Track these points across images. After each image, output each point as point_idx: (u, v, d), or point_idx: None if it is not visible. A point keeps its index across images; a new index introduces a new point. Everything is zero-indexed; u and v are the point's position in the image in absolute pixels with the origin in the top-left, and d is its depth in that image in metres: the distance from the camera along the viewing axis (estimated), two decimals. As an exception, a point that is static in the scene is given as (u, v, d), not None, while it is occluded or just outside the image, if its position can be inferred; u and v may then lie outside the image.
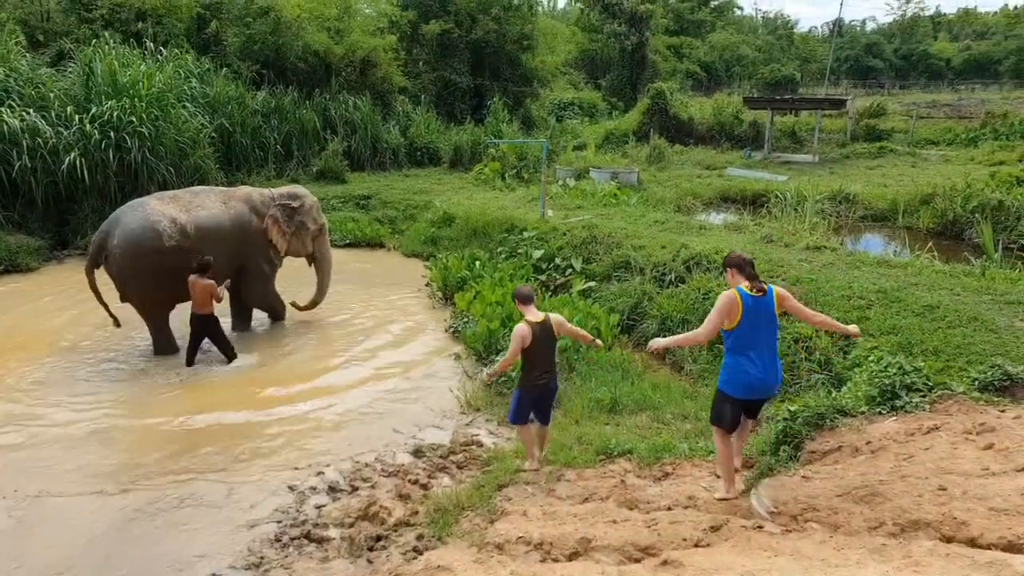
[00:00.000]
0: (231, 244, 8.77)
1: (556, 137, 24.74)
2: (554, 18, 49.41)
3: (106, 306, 8.46)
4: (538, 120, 27.25)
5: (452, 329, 9.53)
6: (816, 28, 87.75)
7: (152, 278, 8.16)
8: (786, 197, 14.47)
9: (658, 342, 4.58)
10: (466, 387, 7.79)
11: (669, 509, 4.59)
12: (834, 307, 7.51)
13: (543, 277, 11.04)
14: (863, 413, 5.10)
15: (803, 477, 4.53)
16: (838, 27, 65.72)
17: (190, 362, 8.26)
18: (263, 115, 18.64)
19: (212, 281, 8.01)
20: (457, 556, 4.08)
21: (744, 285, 4.21)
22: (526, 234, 12.34)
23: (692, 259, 9.57)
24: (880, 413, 5.07)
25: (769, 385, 4.34)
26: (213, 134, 16.42)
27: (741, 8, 75.20)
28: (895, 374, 5.38)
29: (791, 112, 29.43)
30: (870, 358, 6.02)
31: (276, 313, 9.87)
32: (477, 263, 11.45)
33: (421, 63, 25.23)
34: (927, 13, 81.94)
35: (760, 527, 3.83)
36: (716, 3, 65.21)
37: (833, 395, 5.71)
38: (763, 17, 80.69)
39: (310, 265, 10.08)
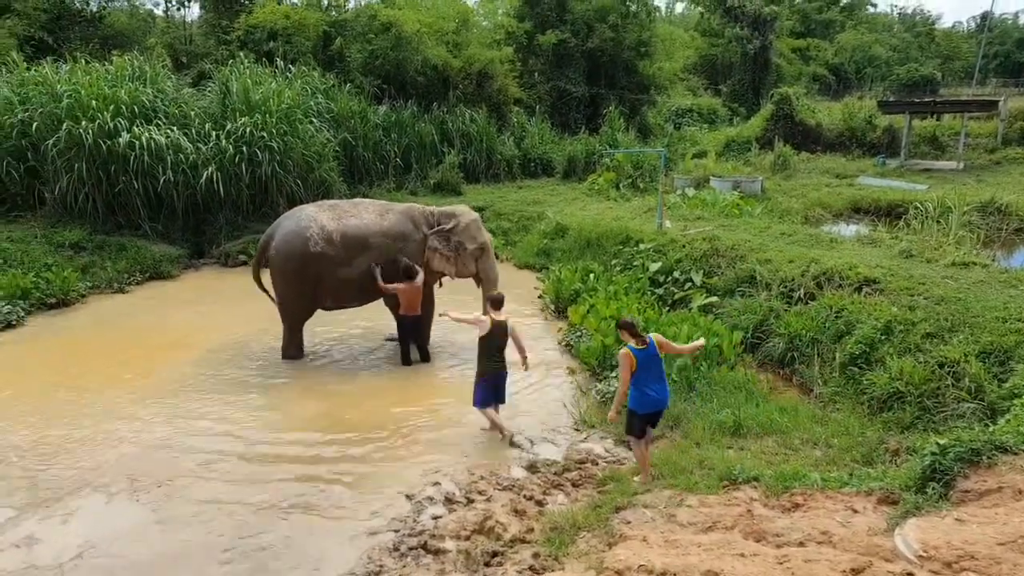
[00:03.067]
0: (379, 254, 8.82)
1: (674, 145, 24.20)
2: (672, 23, 48.49)
3: (269, 294, 9.01)
4: (655, 128, 26.75)
5: (565, 343, 9.46)
6: (960, 23, 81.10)
7: (296, 282, 8.62)
8: (927, 208, 13.37)
9: (611, 414, 5.98)
10: (580, 403, 7.69)
11: (802, 544, 4.29)
12: (987, 330, 6.84)
13: (661, 291, 10.75)
14: (1028, 451, 4.56)
15: (957, 520, 4.10)
16: (987, 21, 60.45)
17: (406, 362, 8.89)
18: (383, 129, 19.36)
19: (420, 285, 8.59)
20: (575, 580, 3.98)
21: (633, 343, 5.72)
22: (642, 246, 12.08)
23: (823, 274, 9.01)
24: (1050, 452, 4.52)
25: (663, 402, 5.89)
26: (337, 148, 17.20)
27: (875, 5, 70.76)
28: (1067, 408, 4.79)
29: (931, 116, 27.28)
30: (1035, 388, 5.41)
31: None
32: (591, 276, 11.33)
33: (536, 73, 25.42)
34: (1092, 2, 73.75)
35: (911, 574, 3.48)
36: (846, 1, 61.67)
37: (990, 428, 5.17)
38: (899, 13, 75.47)
39: (478, 286, 9.62)
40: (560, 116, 24.84)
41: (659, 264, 11.26)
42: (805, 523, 4.55)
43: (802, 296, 8.92)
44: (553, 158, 22.11)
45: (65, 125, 13.26)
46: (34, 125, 13.53)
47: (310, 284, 8.62)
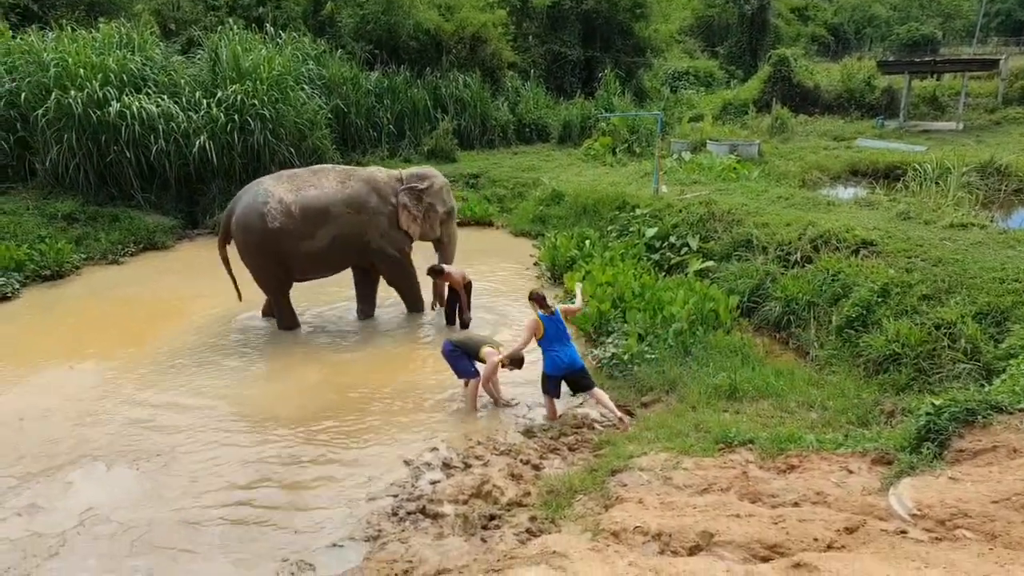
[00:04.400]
0: (342, 225, 8.55)
1: (670, 108, 23.94)
2: (668, -15, 47.55)
3: (234, 280, 8.93)
4: (651, 91, 26.41)
5: (562, 309, 9.44)
6: (961, -19, 79.50)
7: (261, 257, 8.45)
8: (926, 169, 13.28)
9: (504, 358, 6.78)
10: (577, 368, 7.68)
11: (796, 505, 4.32)
12: (984, 291, 6.83)
13: (656, 256, 10.70)
14: (1023, 410, 4.58)
15: (951, 479, 4.13)
16: (988, -21, 59.27)
17: (450, 321, 9.07)
18: (376, 95, 19.07)
19: (452, 273, 8.83)
20: (572, 542, 4.01)
21: (541, 311, 6.54)
22: (638, 211, 11.99)
23: (820, 237, 8.96)
24: (1044, 411, 4.54)
25: (574, 363, 6.53)
26: (329, 115, 16.95)
27: (874, -37, 69.33)
28: (1062, 367, 4.80)
29: (931, 76, 26.99)
30: (1031, 348, 5.41)
31: (412, 302, 9.50)
32: (587, 242, 11.27)
33: (531, 37, 24.99)
34: (1097, -42, 72.29)
35: (904, 532, 3.51)
36: (846, -41, 60.48)
37: (986, 389, 5.18)
38: (899, -28, 74.07)
39: (436, 249, 9.70)
40: (555, 80, 24.49)
41: (655, 229, 11.18)
42: (800, 484, 4.58)
43: (799, 260, 8.89)
44: (548, 123, 21.86)
45: (54, 95, 13.03)
46: (22, 95, 13.31)
47: (274, 259, 8.41)
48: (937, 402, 4.77)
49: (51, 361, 8.07)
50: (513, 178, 16.85)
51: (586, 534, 4.26)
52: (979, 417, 4.58)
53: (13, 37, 14.55)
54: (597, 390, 6.52)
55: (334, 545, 4.85)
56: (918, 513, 3.85)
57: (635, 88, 25.25)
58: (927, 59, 28.66)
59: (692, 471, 4.95)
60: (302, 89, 16.13)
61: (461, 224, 14.53)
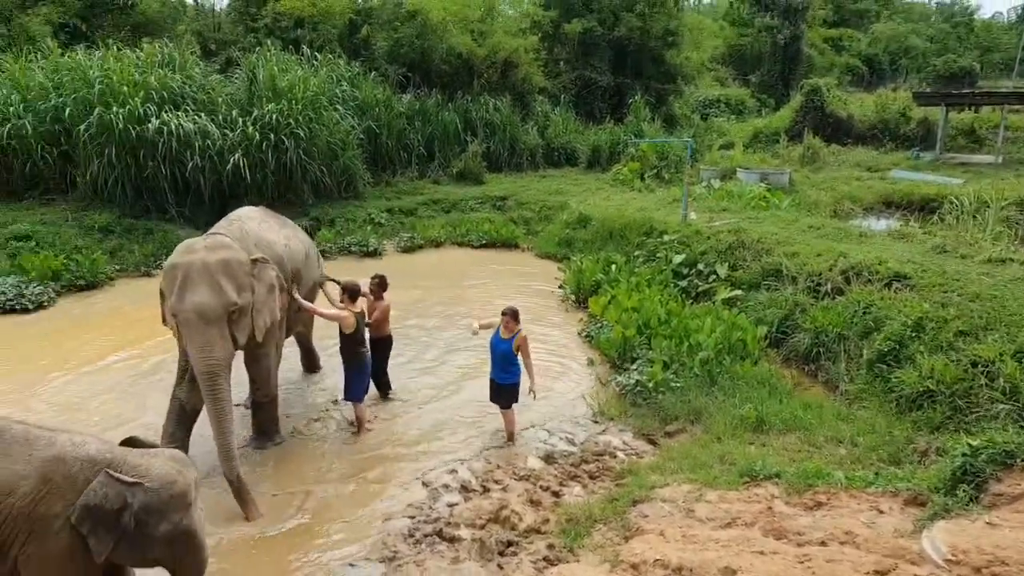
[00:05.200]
0: None
1: (701, 136, 23.84)
2: (701, 13, 47.72)
3: None
4: (681, 118, 26.35)
5: (585, 334, 9.36)
6: (1001, 14, 78.75)
7: None
8: (963, 202, 12.98)
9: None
10: (599, 395, 7.60)
11: (824, 544, 4.18)
12: (1024, 328, 6.60)
13: (684, 283, 10.59)
14: (1066, 455, 4.39)
15: (988, 523, 3.97)
16: (1027, 12, 58.61)
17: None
18: (408, 117, 19.26)
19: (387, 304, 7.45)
20: (590, 572, 3.92)
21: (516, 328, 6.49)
22: (666, 237, 11.89)
23: (851, 269, 8.79)
24: (1088, 457, 4.35)
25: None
26: (361, 136, 17.16)
27: (911, -6, 69.05)
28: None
29: (969, 108, 26.52)
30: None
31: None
32: (613, 267, 11.20)
33: (561, 62, 25.14)
34: None
35: (937, 579, 3.36)
36: (881, -10, 60.21)
37: (1025, 430, 4.99)
38: (937, 3, 73.51)
39: None
40: (585, 105, 24.56)
41: (683, 256, 11.08)
42: (828, 522, 4.44)
43: (829, 291, 8.71)
44: (577, 147, 21.89)
45: (97, 110, 13.38)
46: (67, 110, 13.68)
47: None
48: (974, 443, 4.60)
49: (85, 365, 8.20)
50: (540, 201, 16.86)
51: (604, 565, 4.16)
52: (1018, 460, 4.41)
53: (62, 55, 15.01)
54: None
55: (350, 564, 4.80)
56: (953, 559, 3.70)
57: (665, 114, 25.23)
58: (965, 91, 28.25)
59: (716, 504, 4.83)
60: (335, 110, 16.35)
61: (487, 246, 14.64)
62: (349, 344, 6.65)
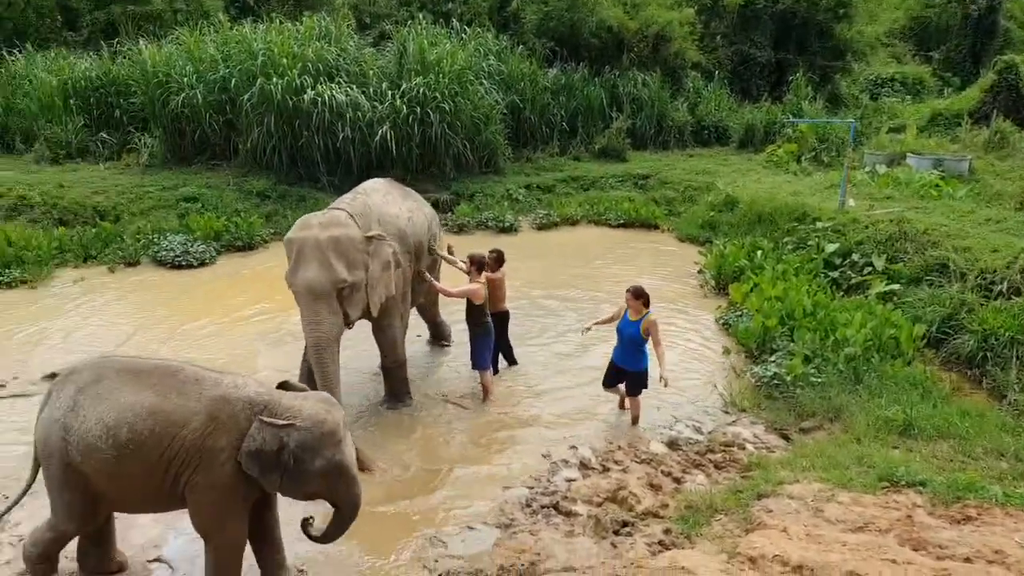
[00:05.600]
0: None
1: (868, 117, 21.99)
2: (879, -19, 43.69)
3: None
4: (848, 98, 24.39)
5: (723, 321, 9.04)
6: None
7: None
8: None
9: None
10: (733, 385, 7.34)
11: (968, 561, 3.84)
12: None
13: (835, 274, 9.91)
14: None
15: None
16: None
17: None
18: (552, 92, 19.14)
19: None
20: (704, 561, 3.85)
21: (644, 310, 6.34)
22: (820, 224, 11.15)
23: (1033, 267, 7.85)
24: None
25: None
26: (504, 110, 17.26)
27: None
28: None
29: None
30: None
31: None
32: (759, 253, 10.68)
33: (718, 36, 23.97)
34: None
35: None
36: (1105, -48, 52.12)
37: None
38: None
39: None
40: (741, 82, 23.32)
41: (836, 245, 10.35)
42: (975, 538, 4.06)
43: (1004, 290, 7.83)
44: (729, 126, 20.89)
45: (259, 81, 14.32)
46: (232, 81, 14.73)
47: None
48: None
49: (246, 320, 9.05)
50: (685, 181, 16.35)
51: (721, 555, 4.07)
52: None
53: (231, 28, 16.21)
54: None
55: (468, 527, 5.01)
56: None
57: (829, 94, 23.46)
58: None
59: (848, 506, 4.56)
60: (481, 84, 16.54)
61: (625, 226, 14.39)
62: (476, 314, 6.86)
